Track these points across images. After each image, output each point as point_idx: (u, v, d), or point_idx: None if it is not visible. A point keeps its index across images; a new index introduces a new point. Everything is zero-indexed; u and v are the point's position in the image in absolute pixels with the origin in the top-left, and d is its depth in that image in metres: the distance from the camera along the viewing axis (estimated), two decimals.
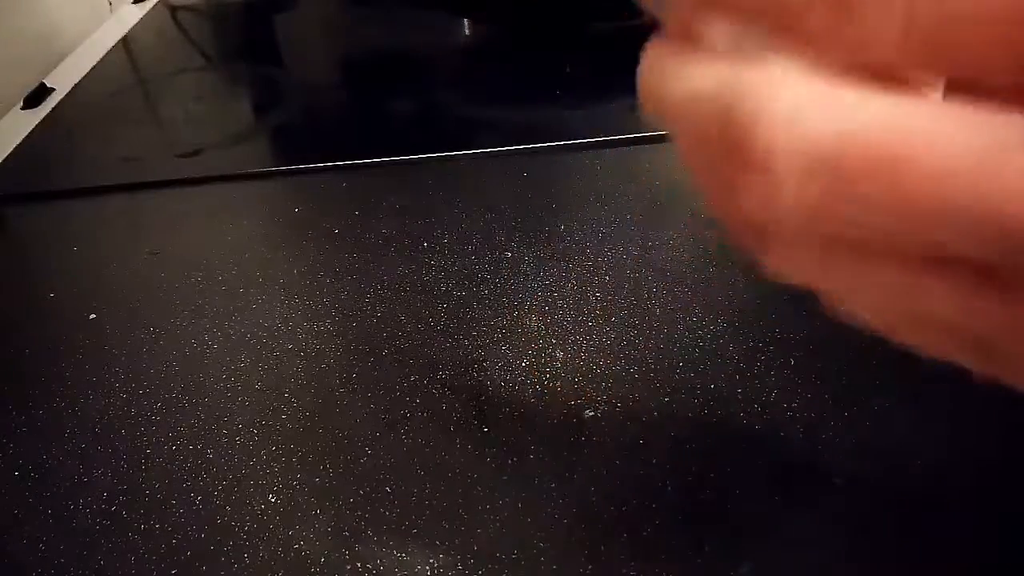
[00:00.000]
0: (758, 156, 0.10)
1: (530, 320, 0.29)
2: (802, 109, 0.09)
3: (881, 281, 0.10)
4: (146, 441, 0.26)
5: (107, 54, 0.59)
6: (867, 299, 0.11)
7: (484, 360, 0.28)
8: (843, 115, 0.09)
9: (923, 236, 0.09)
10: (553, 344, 0.28)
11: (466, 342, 0.29)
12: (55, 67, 0.57)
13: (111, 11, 0.68)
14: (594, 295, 0.30)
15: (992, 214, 0.09)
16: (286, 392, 0.27)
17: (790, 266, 0.11)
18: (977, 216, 0.09)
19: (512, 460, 0.24)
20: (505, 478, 0.24)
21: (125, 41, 0.62)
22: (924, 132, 0.09)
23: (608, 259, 0.32)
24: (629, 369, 0.27)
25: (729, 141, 0.10)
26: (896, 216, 0.09)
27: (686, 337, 0.28)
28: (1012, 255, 0.09)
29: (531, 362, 0.28)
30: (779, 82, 0.10)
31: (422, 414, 0.26)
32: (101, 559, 0.22)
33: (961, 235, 0.09)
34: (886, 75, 0.10)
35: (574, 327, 0.29)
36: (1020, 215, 0.09)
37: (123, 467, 0.25)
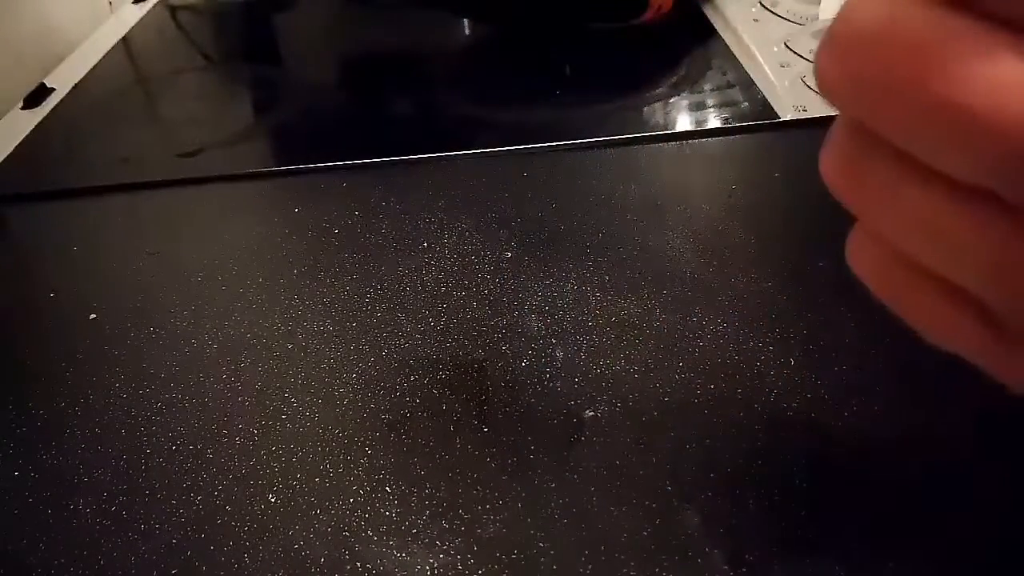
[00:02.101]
0: None
1: (530, 320, 0.29)
2: None
3: None
4: (146, 441, 0.26)
5: (107, 54, 0.59)
6: None
7: (484, 360, 0.28)
8: None
9: None
10: (553, 344, 0.28)
11: (466, 342, 0.29)
12: (55, 67, 0.57)
13: (111, 11, 0.68)
14: (594, 295, 0.30)
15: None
16: (286, 392, 0.27)
17: None
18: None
19: (512, 460, 0.24)
20: (505, 478, 0.24)
21: (125, 41, 0.62)
22: None
23: (608, 259, 0.32)
24: (629, 369, 0.27)
25: None
26: None
27: (686, 337, 0.28)
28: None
29: (531, 362, 0.28)
30: None
31: (422, 414, 0.26)
32: (101, 559, 0.22)
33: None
34: None
35: (574, 327, 0.29)
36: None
37: (123, 467, 0.25)
